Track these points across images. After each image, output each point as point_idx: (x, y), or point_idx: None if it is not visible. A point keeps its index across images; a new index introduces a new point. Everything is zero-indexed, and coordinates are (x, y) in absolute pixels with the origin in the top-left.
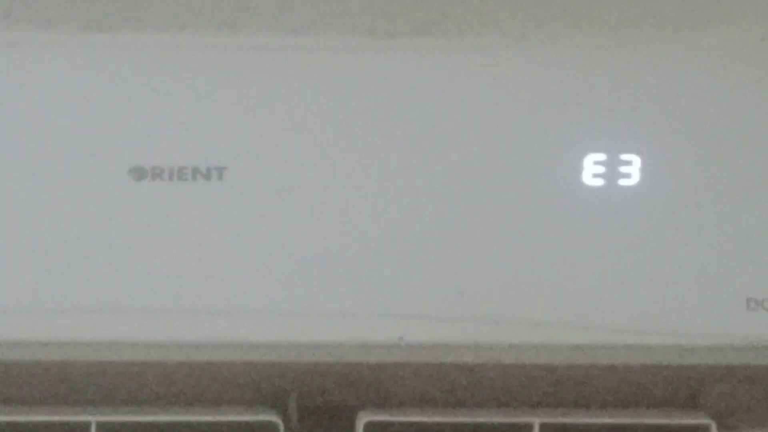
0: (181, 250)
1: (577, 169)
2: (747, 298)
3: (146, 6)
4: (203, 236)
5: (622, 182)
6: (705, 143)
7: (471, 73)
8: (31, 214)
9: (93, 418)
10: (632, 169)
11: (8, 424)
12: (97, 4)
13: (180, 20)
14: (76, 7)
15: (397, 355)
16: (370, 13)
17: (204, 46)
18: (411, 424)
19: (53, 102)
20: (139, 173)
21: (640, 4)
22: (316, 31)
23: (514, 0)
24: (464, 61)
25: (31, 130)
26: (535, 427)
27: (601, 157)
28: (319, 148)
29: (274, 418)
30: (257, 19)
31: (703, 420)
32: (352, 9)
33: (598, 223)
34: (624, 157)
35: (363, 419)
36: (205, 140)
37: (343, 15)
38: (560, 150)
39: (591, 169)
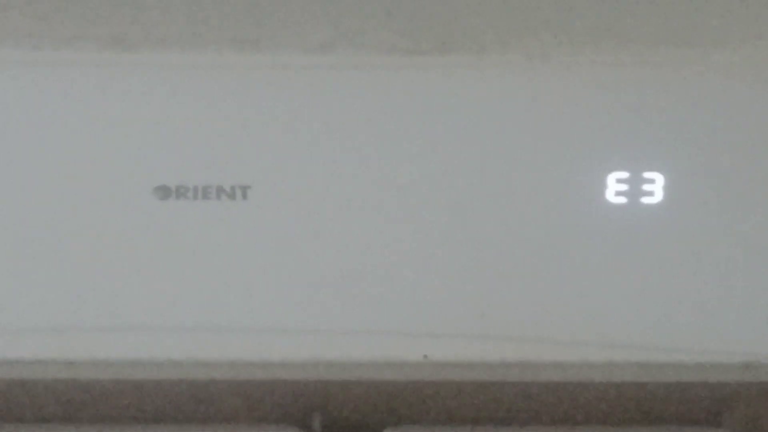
0: (205, 269)
1: (601, 187)
2: None
3: (169, 24)
4: (228, 255)
5: (645, 200)
6: (727, 161)
7: (493, 91)
8: (56, 233)
9: None
10: (655, 187)
11: None
12: (121, 23)
13: (202, 38)
14: (100, 26)
15: (421, 373)
16: (391, 31)
17: (227, 64)
18: None
19: (77, 121)
20: (163, 192)
21: (662, 23)
22: (338, 49)
23: (535, 18)
24: (486, 80)
25: (55, 150)
26: None
27: (625, 175)
28: (343, 167)
29: None
30: (279, 37)
31: None
32: (373, 27)
33: (621, 240)
34: (647, 175)
35: None
36: (229, 159)
37: (364, 33)
38: (584, 168)
39: (614, 187)
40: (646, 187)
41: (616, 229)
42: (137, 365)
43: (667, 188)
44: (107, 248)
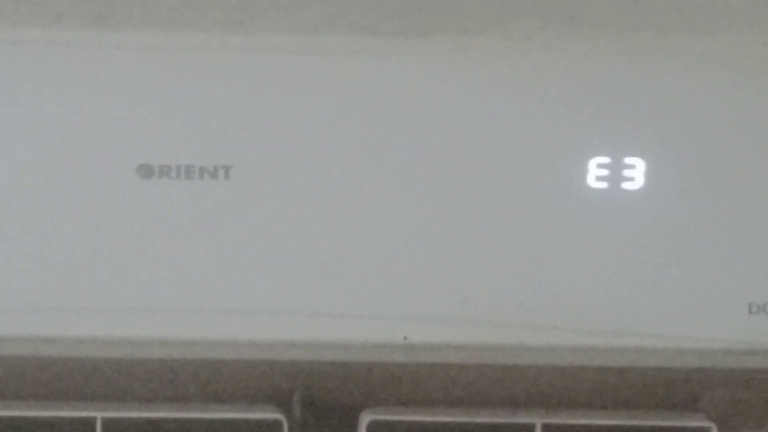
0: (187, 248)
1: (582, 172)
2: (749, 302)
3: (153, 4)
4: (209, 235)
5: (626, 185)
6: (709, 147)
7: (475, 74)
8: (38, 213)
9: (99, 413)
10: (636, 173)
11: (14, 419)
12: (105, 3)
13: (186, 19)
14: (83, 5)
15: (400, 354)
16: (375, 13)
17: (210, 45)
18: (414, 423)
19: (60, 100)
20: (146, 171)
21: (644, 9)
22: (321, 30)
23: (518, 3)
24: (468, 63)
25: (38, 129)
26: (537, 428)
27: (606, 160)
28: (325, 148)
29: (278, 415)
30: (263, 18)
31: (704, 422)
32: (357, 9)
33: (601, 225)
34: (628, 160)
35: (366, 418)
36: (212, 139)
37: (347, 15)
38: (565, 153)
39: (595, 172)
40: (627, 172)
41: (597, 214)
42: (116, 344)
43: (648, 174)
44: (89, 227)
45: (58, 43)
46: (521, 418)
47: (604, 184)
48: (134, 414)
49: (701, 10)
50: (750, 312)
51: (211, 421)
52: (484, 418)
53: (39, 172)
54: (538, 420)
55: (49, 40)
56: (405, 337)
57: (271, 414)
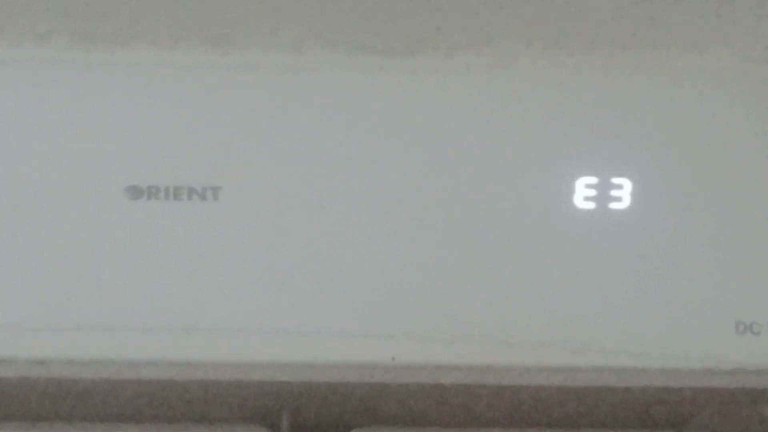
0: (175, 269)
1: (569, 192)
2: (736, 321)
3: (140, 22)
4: (198, 256)
5: (613, 205)
6: (695, 167)
7: (463, 92)
8: (26, 232)
9: None
10: (623, 193)
11: None
12: (92, 20)
13: (173, 36)
14: (71, 22)
15: (389, 375)
16: (361, 30)
17: (198, 63)
18: None
19: (48, 119)
20: (135, 192)
21: (630, 27)
22: (309, 48)
23: (505, 21)
24: (456, 81)
25: (25, 149)
26: None
27: (593, 180)
28: (312, 167)
29: None
30: (250, 36)
31: None
32: (345, 26)
33: (589, 245)
34: (615, 180)
35: None
36: (201, 160)
37: (335, 32)
38: (552, 173)
39: (582, 192)
40: (614, 192)
41: (584, 234)
42: (104, 365)
43: (635, 194)
44: (77, 247)
45: (44, 61)
46: None
47: (591, 204)
48: None
49: (686, 27)
50: (737, 331)
51: None
52: None
53: (27, 192)
54: None
55: (36, 58)
56: (393, 358)
57: None
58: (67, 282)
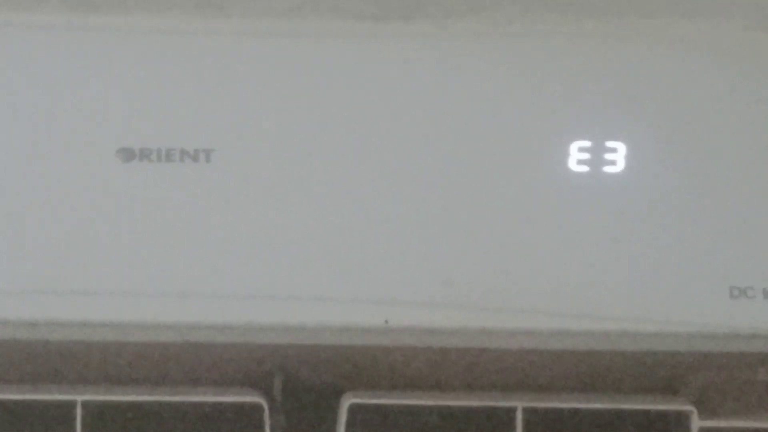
0: (167, 232)
1: (563, 155)
2: (730, 286)
3: None
4: (190, 218)
5: (607, 169)
6: (689, 131)
7: (457, 59)
8: (19, 196)
9: (78, 397)
10: (617, 156)
11: None
12: None
13: (167, 2)
14: None
15: (382, 338)
16: None
17: (192, 29)
18: (395, 407)
19: (40, 84)
20: (127, 154)
21: None
22: (303, 14)
23: None
24: (450, 47)
25: (16, 113)
26: (518, 411)
27: (587, 144)
28: (306, 132)
29: (258, 399)
30: (244, 2)
31: (684, 406)
32: None
33: (583, 209)
34: (609, 144)
35: (347, 401)
36: (193, 122)
37: None
38: (547, 136)
39: (576, 156)
40: (608, 156)
41: (579, 197)
42: (95, 327)
43: (629, 157)
44: (69, 210)
45: (36, 26)
46: (502, 402)
47: (585, 168)
48: (113, 397)
49: None
50: (731, 296)
51: (192, 405)
52: (465, 401)
53: (18, 156)
54: (519, 404)
55: (27, 23)
56: (386, 321)
57: (251, 397)
58: (58, 245)
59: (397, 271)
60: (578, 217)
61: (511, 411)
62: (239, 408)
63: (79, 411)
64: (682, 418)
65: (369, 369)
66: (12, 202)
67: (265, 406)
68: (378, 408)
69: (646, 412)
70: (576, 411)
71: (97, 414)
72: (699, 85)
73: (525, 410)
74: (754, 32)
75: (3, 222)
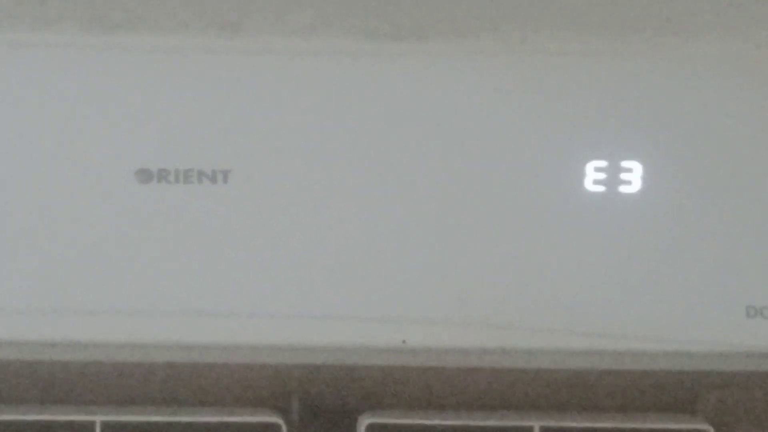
0: (185, 252)
1: (580, 175)
2: (747, 305)
3: (150, 7)
4: (208, 238)
5: (623, 189)
6: (705, 150)
7: (472, 77)
8: (38, 216)
9: (98, 417)
10: (633, 176)
11: (13, 423)
12: (102, 5)
13: (183, 21)
14: (82, 8)
15: (399, 358)
16: (371, 15)
17: (208, 48)
18: (411, 426)
19: (59, 104)
20: (145, 176)
21: (640, 13)
22: (318, 33)
23: (513, 5)
24: (465, 66)
25: (37, 133)
26: (535, 430)
27: (603, 164)
28: (322, 151)
29: (276, 419)
30: (260, 21)
31: (701, 425)
32: (353, 11)
33: (599, 229)
34: (625, 164)
35: (365, 421)
36: (211, 143)
37: (345, 17)
38: (563, 156)
39: (593, 176)
40: (624, 176)
41: (595, 217)
42: (114, 348)
43: (645, 177)
44: (88, 231)
45: (55, 46)
46: (519, 421)
47: (601, 188)
48: (133, 418)
49: (697, 12)
50: (748, 315)
51: (210, 425)
52: (482, 420)
53: (38, 175)
54: (536, 423)
55: (47, 43)
56: (404, 341)
57: (269, 417)
58: (78, 265)
59: (415, 291)
60: (595, 237)
61: (528, 430)
62: (258, 428)
63: (98, 431)
64: None
65: (386, 389)
66: (31, 222)
67: (284, 425)
68: (395, 428)
69: (663, 431)
70: (593, 430)
71: None
72: (714, 103)
73: (542, 429)
74: (767, 50)
75: (23, 242)
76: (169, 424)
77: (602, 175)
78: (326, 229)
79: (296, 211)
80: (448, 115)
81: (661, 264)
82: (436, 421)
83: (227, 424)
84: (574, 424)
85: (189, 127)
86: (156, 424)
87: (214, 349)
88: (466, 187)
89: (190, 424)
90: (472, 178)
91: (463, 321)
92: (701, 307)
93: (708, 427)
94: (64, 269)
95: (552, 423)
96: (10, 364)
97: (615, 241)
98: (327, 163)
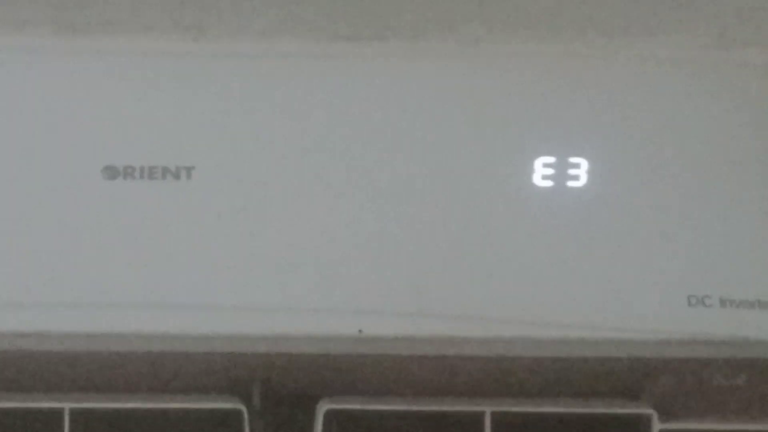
0: (150, 246)
1: (528, 171)
2: (688, 295)
3: (116, 10)
4: (172, 233)
5: (571, 184)
6: (648, 147)
7: (428, 76)
8: (7, 212)
9: (66, 404)
10: (580, 172)
11: None
12: (68, 8)
13: (148, 24)
14: (48, 11)
15: (356, 347)
16: (330, 18)
17: (172, 51)
18: (368, 412)
19: (28, 105)
20: (111, 172)
21: (588, 15)
22: (280, 35)
23: (467, 8)
24: (422, 65)
25: (6, 132)
26: (486, 415)
27: (551, 159)
28: (282, 149)
29: (238, 405)
30: (223, 24)
31: (645, 410)
32: (311, 14)
33: (548, 222)
34: (572, 160)
35: (323, 407)
36: (175, 141)
37: (303, 20)
38: (512, 152)
39: (541, 171)
40: (571, 171)
41: (543, 211)
42: (81, 338)
43: (592, 173)
44: (56, 226)
45: (23, 48)
46: (472, 407)
47: (549, 183)
48: (100, 405)
49: (642, 14)
50: (689, 304)
51: (175, 411)
52: (435, 406)
53: (6, 173)
54: (487, 408)
55: (14, 46)
56: (360, 330)
57: (231, 404)
58: (46, 258)
59: (371, 282)
60: (543, 230)
61: (479, 415)
62: (220, 414)
63: (66, 418)
64: (643, 421)
65: (344, 376)
66: (3, 218)
67: (245, 411)
68: (353, 413)
69: (609, 416)
70: (542, 415)
71: (83, 421)
72: (658, 101)
73: (493, 414)
74: (711, 50)
75: None
76: (136, 411)
77: (550, 171)
78: (285, 224)
79: (256, 206)
80: (404, 112)
81: (605, 256)
82: (391, 407)
83: (191, 411)
84: (524, 409)
85: (154, 126)
86: (121, 411)
87: (178, 340)
88: (422, 183)
89: (154, 411)
90: (428, 174)
91: (417, 311)
92: (644, 297)
93: (651, 411)
94: (34, 263)
95: (502, 408)
96: None
97: (563, 233)
98: (286, 161)
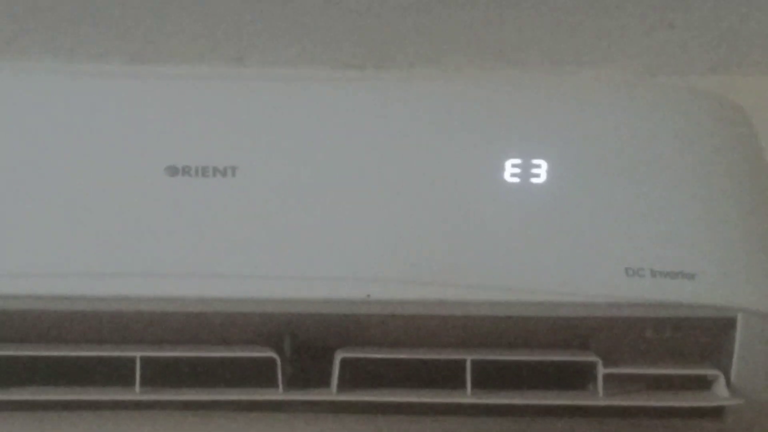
0: (204, 229)
1: (500, 170)
2: (626, 267)
3: (177, 44)
4: (220, 219)
5: (534, 180)
6: (596, 150)
7: (419, 96)
8: (89, 205)
9: (138, 353)
10: (541, 171)
11: (58, 359)
12: (139, 43)
13: (199, 54)
14: (123, 44)
15: (365, 308)
16: (343, 51)
17: (220, 75)
18: (377, 360)
19: (112, 119)
20: (172, 171)
21: (542, 49)
22: (303, 64)
23: (451, 42)
24: (414, 88)
25: (91, 140)
26: (468, 362)
27: (518, 161)
28: (303, 151)
29: (273, 354)
30: (259, 54)
31: (591, 357)
32: (330, 49)
33: (514, 212)
34: (535, 161)
35: (339, 355)
36: (222, 147)
37: (323, 52)
38: (487, 155)
39: (510, 170)
40: (534, 170)
41: (512, 202)
42: (147, 301)
43: (550, 171)
44: (129, 214)
45: (102, 74)
46: (455, 355)
47: (517, 180)
48: (165, 353)
49: (579, 48)
50: (627, 275)
51: (218, 360)
52: (428, 355)
53: (87, 174)
54: (468, 356)
55: (96, 71)
56: (368, 295)
57: (267, 353)
58: (120, 239)
59: (377, 257)
60: (512, 217)
61: (462, 362)
62: (256, 362)
63: (138, 365)
64: (590, 367)
65: (356, 332)
66: (82, 210)
67: (278, 359)
68: (363, 361)
69: (565, 362)
70: (512, 362)
71: (150, 368)
72: (602, 117)
73: (473, 361)
74: (639, 76)
75: (71, 227)
76: (193, 359)
77: (518, 170)
78: (311, 214)
79: (285, 198)
80: (401, 125)
81: (560, 236)
82: (393, 356)
83: (232, 359)
84: (497, 357)
85: (206, 134)
86: (180, 359)
87: (224, 302)
88: (419, 179)
89: (204, 360)
90: (423, 172)
91: (415, 280)
92: (591, 270)
93: (597, 358)
94: (108, 241)
95: (480, 356)
96: (56, 314)
97: (527, 219)
98: (306, 159)
